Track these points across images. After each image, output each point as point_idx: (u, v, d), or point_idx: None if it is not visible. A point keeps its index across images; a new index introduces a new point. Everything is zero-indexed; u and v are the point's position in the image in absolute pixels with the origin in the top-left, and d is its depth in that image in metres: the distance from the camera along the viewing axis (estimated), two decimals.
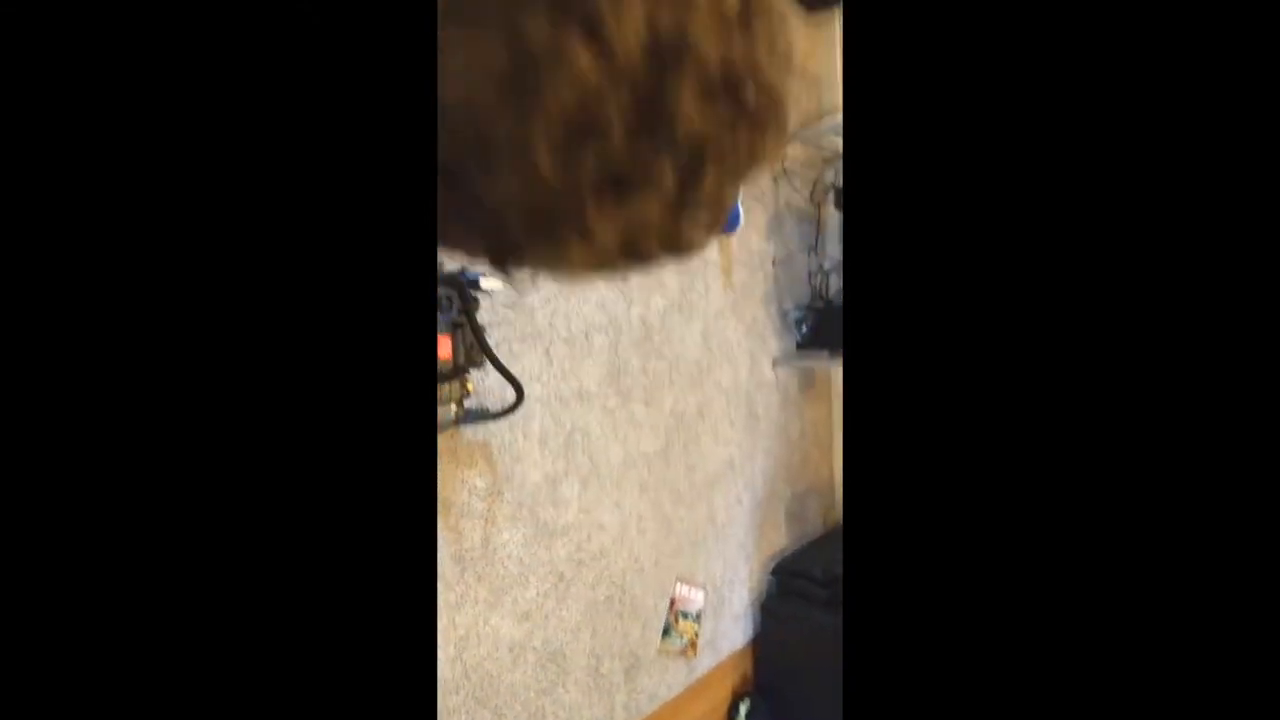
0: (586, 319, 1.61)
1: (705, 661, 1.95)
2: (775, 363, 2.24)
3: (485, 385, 1.34)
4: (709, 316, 2.00)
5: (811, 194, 2.32)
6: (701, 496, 1.96)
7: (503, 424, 1.38)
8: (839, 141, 2.40)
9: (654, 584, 1.79)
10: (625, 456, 1.71)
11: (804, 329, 2.26)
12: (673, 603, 1.84)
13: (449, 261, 1.27)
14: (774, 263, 2.24)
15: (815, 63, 2.43)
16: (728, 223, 2.06)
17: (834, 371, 2.49)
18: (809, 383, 2.41)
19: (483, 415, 1.30)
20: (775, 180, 2.22)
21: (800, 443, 2.36)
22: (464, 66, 0.23)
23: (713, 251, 2.01)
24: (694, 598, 1.90)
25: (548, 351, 1.51)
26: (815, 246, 2.35)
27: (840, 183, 2.23)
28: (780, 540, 2.26)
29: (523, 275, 0.33)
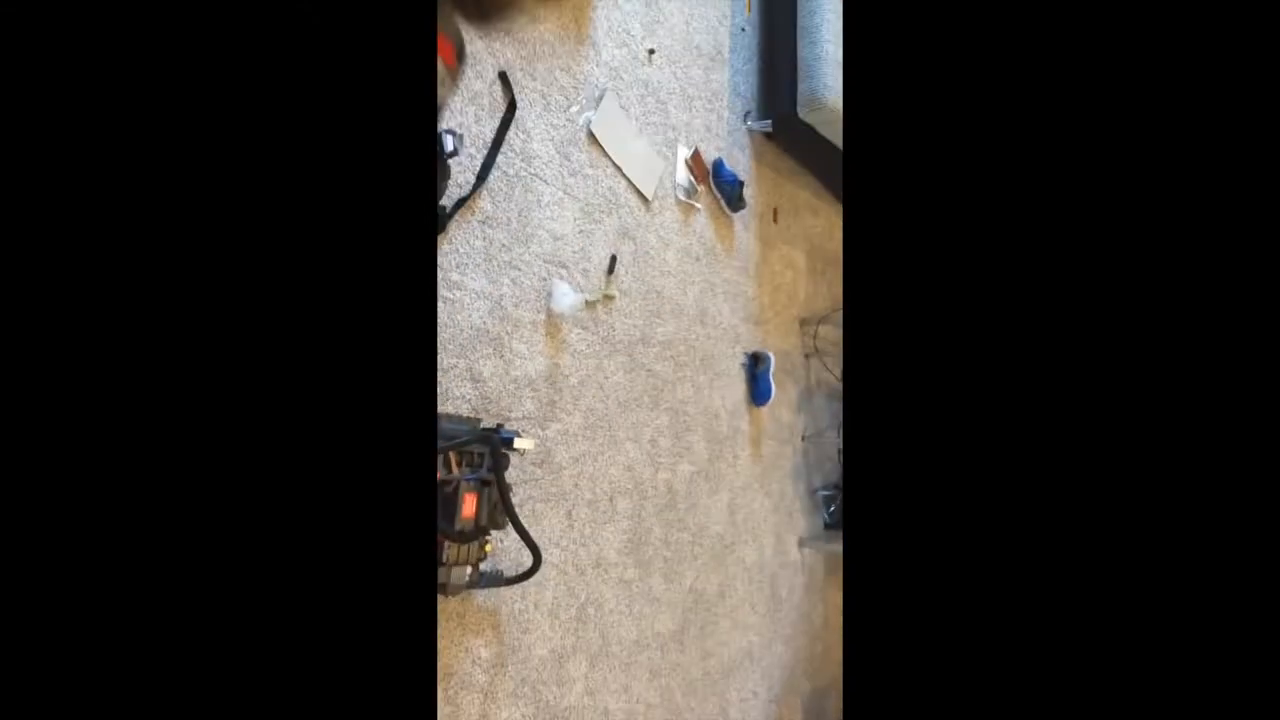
0: (613, 482, 1.60)
1: None
2: (801, 542, 2.16)
3: (503, 546, 1.32)
4: (736, 488, 1.98)
5: (842, 374, 2.38)
6: (715, 687, 1.81)
7: (515, 590, 1.33)
8: None
9: None
10: (639, 636, 1.61)
11: (832, 509, 2.21)
12: None
13: (486, 419, 1.30)
14: (803, 438, 2.24)
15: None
16: (760, 395, 2.07)
17: None
18: (835, 567, 2.30)
19: (496, 580, 1.26)
20: (808, 357, 2.29)
21: (823, 632, 2.21)
22: None
23: (743, 421, 2.03)
24: None
25: (570, 514, 1.49)
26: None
27: None
28: None
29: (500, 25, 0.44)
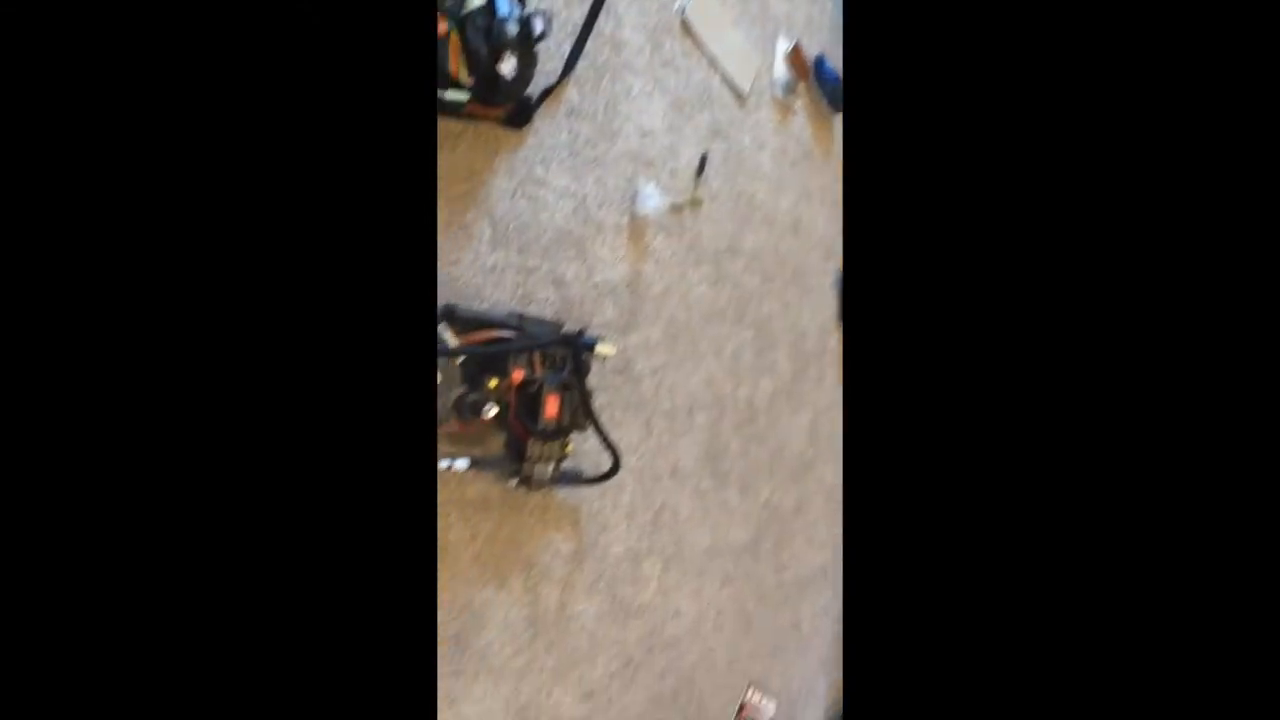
0: (691, 394, 1.58)
1: None
2: None
3: (583, 449, 1.34)
4: (819, 408, 1.92)
5: None
6: (788, 600, 1.83)
7: (594, 491, 1.36)
8: None
9: (725, 685, 1.67)
10: (712, 543, 1.63)
11: None
12: (742, 708, 1.71)
13: (568, 323, 1.29)
14: None
15: None
16: None
17: None
18: None
19: (577, 478, 1.28)
20: None
21: None
22: None
23: (831, 340, 1.94)
24: (765, 707, 1.75)
25: (648, 423, 1.49)
26: None
27: None
28: None
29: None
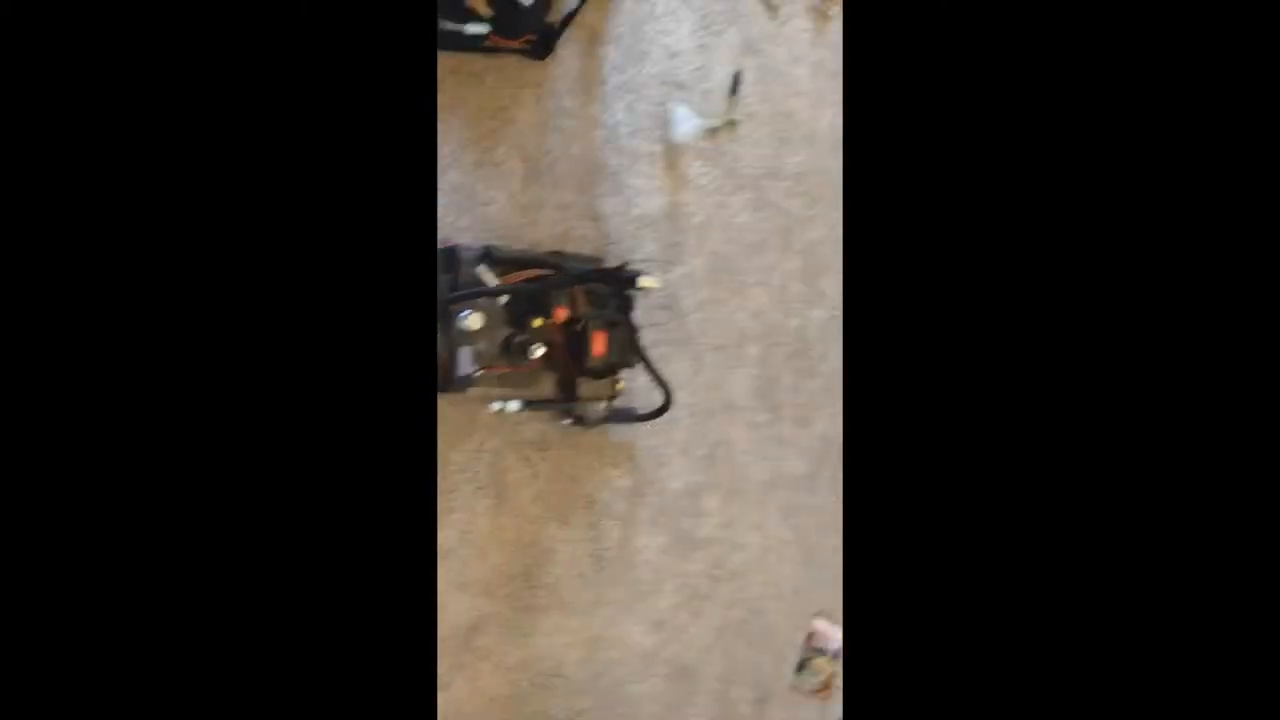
0: (740, 327, 1.55)
1: (841, 706, 1.80)
2: None
3: (633, 386, 1.33)
4: None
5: None
6: None
7: (647, 427, 1.36)
8: None
9: (792, 614, 1.68)
10: (771, 476, 1.62)
11: None
12: (810, 637, 1.72)
13: (609, 260, 1.27)
14: None
15: None
16: None
17: None
18: None
19: (629, 416, 1.28)
20: None
21: None
22: None
23: None
24: (833, 635, 1.76)
25: (697, 358, 1.47)
26: None
27: None
28: None
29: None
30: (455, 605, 1.16)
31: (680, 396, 1.43)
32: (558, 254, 1.16)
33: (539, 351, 1.08)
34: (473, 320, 1.01)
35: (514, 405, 1.10)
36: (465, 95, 1.04)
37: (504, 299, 1.05)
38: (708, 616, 1.50)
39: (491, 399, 1.10)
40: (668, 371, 1.40)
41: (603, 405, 1.20)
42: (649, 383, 1.24)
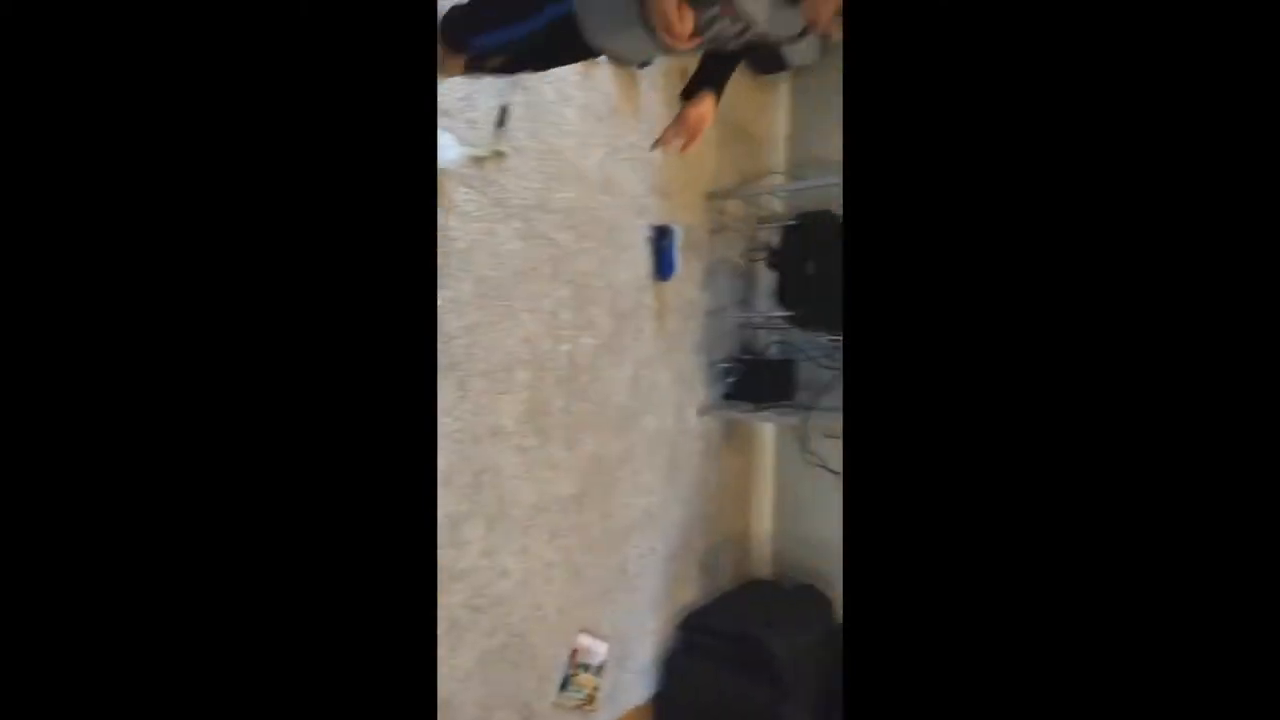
0: (509, 352, 1.56)
1: (603, 717, 1.87)
2: (701, 411, 2.24)
3: None
4: (639, 361, 1.99)
5: (745, 251, 2.38)
6: (614, 546, 1.92)
7: None
8: (775, 202, 2.47)
9: (556, 634, 1.72)
10: (538, 499, 1.65)
11: (730, 380, 2.28)
12: (574, 654, 1.77)
13: None
14: (707, 313, 2.26)
15: (759, 125, 2.52)
16: (664, 269, 2.03)
17: (756, 424, 2.51)
18: (731, 434, 2.42)
19: None
20: (713, 233, 2.26)
21: (718, 494, 2.36)
22: None
23: (647, 295, 2.01)
24: (597, 649, 1.83)
25: (463, 383, 1.46)
26: (746, 301, 2.39)
27: (774, 242, 2.28)
28: (691, 593, 2.22)
29: None
30: None
31: (443, 424, 1.41)
32: None
33: None
34: None
35: None
36: None
37: None
38: (468, 646, 1.48)
39: None
40: None
41: None
42: None
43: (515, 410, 1.59)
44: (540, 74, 1.57)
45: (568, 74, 1.66)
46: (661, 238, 2.01)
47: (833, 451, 2.25)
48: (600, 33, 0.91)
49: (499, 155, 1.45)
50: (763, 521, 2.56)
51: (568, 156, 1.68)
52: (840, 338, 2.16)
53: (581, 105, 1.71)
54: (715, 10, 0.84)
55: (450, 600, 1.43)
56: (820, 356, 2.29)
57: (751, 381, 2.26)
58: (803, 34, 0.91)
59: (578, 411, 1.78)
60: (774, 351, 2.47)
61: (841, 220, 2.05)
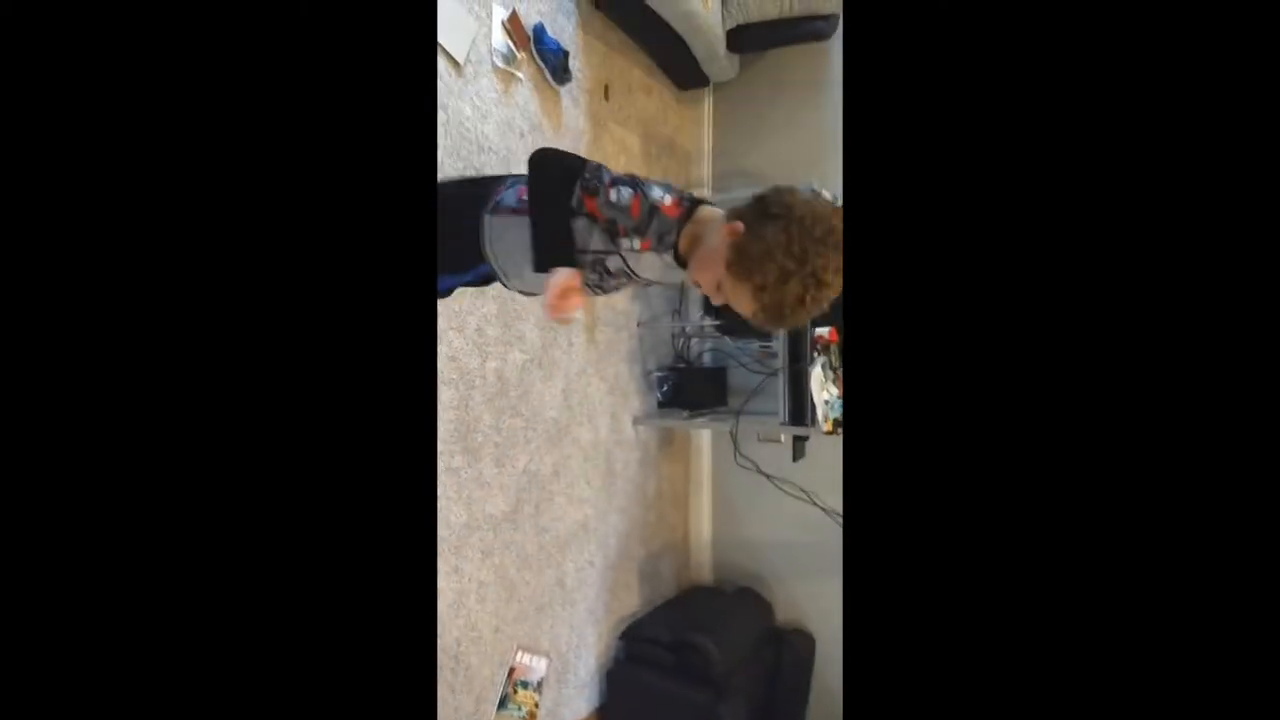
0: (436, 371, 1.55)
1: None
2: (636, 420, 2.26)
3: None
4: (571, 374, 2.00)
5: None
6: (551, 560, 1.91)
7: None
8: None
9: (492, 654, 1.70)
10: (469, 519, 1.63)
11: (665, 389, 2.31)
12: (512, 672, 1.76)
13: None
14: (639, 324, 2.29)
15: (685, 138, 2.56)
16: None
17: (693, 431, 2.54)
18: (668, 441, 2.45)
19: None
20: None
21: (656, 501, 2.38)
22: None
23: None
24: (536, 666, 1.82)
25: None
26: (679, 310, 2.43)
27: None
28: (633, 602, 2.24)
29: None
30: None
31: None
32: None
33: None
34: None
35: None
36: None
37: None
38: None
39: None
40: None
41: None
42: None
43: (442, 430, 1.57)
44: (459, 90, 1.57)
45: (486, 90, 1.66)
46: None
47: (762, 455, 2.30)
48: (515, 282, 1.04)
49: None
50: (701, 527, 2.59)
51: (490, 172, 1.68)
52: (769, 344, 2.22)
53: (501, 120, 1.71)
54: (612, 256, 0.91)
55: None
56: (751, 363, 2.35)
57: (685, 389, 2.29)
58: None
59: (508, 428, 1.77)
60: (706, 359, 2.52)
61: None
